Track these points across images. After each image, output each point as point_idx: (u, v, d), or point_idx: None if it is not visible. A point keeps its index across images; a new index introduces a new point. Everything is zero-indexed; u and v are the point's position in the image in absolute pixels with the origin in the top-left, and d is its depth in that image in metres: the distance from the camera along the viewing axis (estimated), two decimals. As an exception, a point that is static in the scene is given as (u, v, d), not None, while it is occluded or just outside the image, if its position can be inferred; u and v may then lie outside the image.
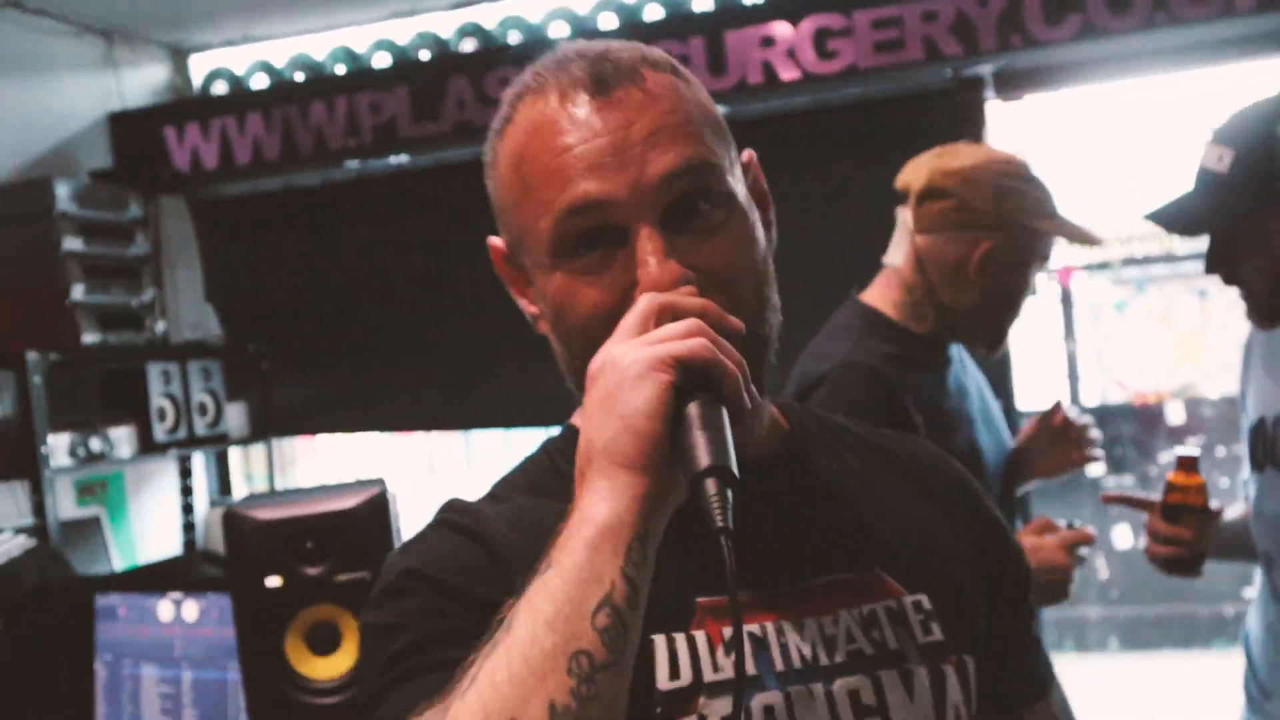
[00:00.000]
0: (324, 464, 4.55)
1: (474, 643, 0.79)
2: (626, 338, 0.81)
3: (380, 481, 1.70)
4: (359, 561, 1.61)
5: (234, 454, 4.22)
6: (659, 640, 0.87)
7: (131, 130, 3.82)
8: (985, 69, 3.22)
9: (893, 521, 0.99)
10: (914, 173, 2.02)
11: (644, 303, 0.83)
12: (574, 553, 0.77)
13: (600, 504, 0.78)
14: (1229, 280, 1.79)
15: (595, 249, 0.88)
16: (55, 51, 3.66)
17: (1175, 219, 1.83)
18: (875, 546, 0.97)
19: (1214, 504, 1.87)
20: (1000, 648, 1.02)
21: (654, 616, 0.82)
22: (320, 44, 3.92)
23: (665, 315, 0.82)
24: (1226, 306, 5.69)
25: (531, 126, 0.91)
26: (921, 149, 3.32)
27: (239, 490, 4.27)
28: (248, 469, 4.34)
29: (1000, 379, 3.25)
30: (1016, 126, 3.78)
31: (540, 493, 0.96)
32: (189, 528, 3.90)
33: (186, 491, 3.91)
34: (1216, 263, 1.79)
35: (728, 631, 0.88)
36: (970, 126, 3.30)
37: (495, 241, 0.99)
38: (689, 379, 0.79)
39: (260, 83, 3.93)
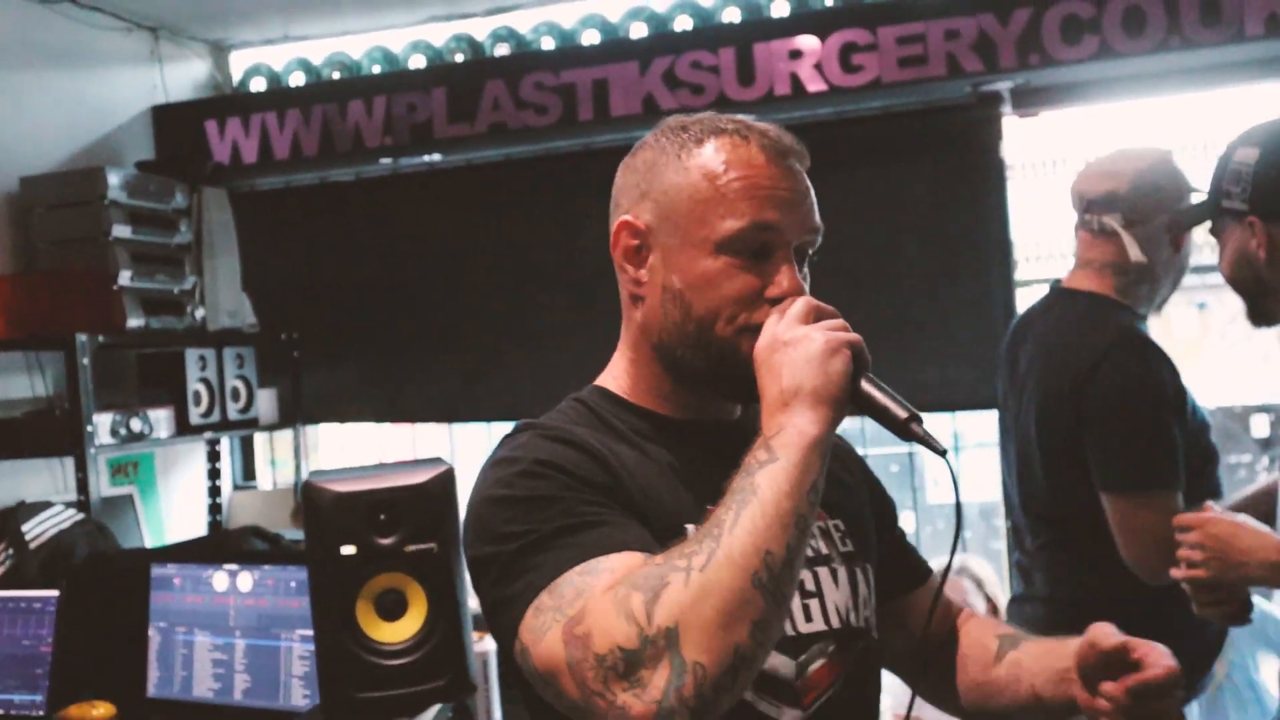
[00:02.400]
0: (347, 452, 4.65)
1: (610, 515, 1.15)
2: (798, 321, 1.18)
3: (443, 460, 1.82)
4: (427, 533, 1.72)
5: (259, 439, 4.33)
6: (690, 528, 1.17)
7: (174, 123, 3.94)
8: (1004, 85, 3.35)
9: None
10: (1107, 180, 2.29)
11: (804, 302, 1.20)
12: (795, 451, 1.10)
13: (812, 424, 1.12)
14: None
15: (747, 254, 1.23)
16: (104, 46, 3.78)
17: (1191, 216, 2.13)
18: None
19: None
20: (891, 552, 1.45)
21: (683, 513, 1.21)
22: (357, 45, 4.03)
23: (814, 313, 1.19)
24: (1227, 318, 5.80)
25: (735, 158, 1.24)
26: (940, 160, 3.47)
27: (262, 475, 4.38)
28: (271, 454, 4.45)
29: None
30: (1032, 141, 3.90)
31: (594, 428, 1.28)
32: (215, 509, 4.01)
33: (214, 474, 4.02)
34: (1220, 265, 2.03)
35: None
36: (988, 140, 3.43)
37: (629, 218, 1.29)
38: (857, 358, 1.17)
39: (298, 80, 4.05)
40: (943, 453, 1.15)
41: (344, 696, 1.79)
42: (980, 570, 3.29)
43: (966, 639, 1.46)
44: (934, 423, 4.96)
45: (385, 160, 3.88)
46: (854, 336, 1.18)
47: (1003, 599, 3.13)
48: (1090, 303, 2.28)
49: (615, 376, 1.35)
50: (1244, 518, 1.84)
